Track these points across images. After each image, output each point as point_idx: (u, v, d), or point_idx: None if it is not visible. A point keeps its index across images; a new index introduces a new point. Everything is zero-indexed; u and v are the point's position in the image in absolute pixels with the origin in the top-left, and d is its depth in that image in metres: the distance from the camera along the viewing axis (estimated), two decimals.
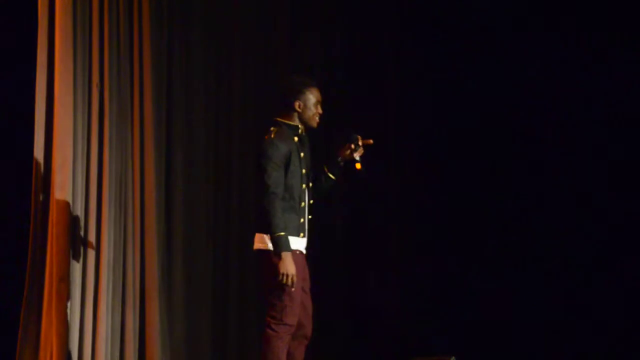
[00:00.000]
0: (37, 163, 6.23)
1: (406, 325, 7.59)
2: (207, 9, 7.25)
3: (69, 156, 6.27)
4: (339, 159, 5.50)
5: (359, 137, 5.50)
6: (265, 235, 5.27)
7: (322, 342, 7.54)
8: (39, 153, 6.24)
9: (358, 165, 5.49)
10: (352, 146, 5.48)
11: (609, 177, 7.08)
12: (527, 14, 7.35)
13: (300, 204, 5.36)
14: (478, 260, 7.50)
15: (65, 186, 6.24)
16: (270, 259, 5.25)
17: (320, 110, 5.43)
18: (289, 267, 5.21)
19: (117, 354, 6.48)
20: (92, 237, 6.36)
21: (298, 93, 5.39)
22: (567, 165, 7.24)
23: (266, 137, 5.35)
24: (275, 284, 5.24)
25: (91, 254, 6.34)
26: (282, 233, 5.20)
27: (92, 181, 6.40)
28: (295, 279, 5.23)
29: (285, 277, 5.21)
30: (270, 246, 5.24)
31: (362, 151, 5.49)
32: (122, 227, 6.59)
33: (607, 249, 7.06)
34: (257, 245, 5.33)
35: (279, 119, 5.43)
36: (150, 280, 6.67)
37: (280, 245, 5.21)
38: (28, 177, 6.22)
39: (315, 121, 5.42)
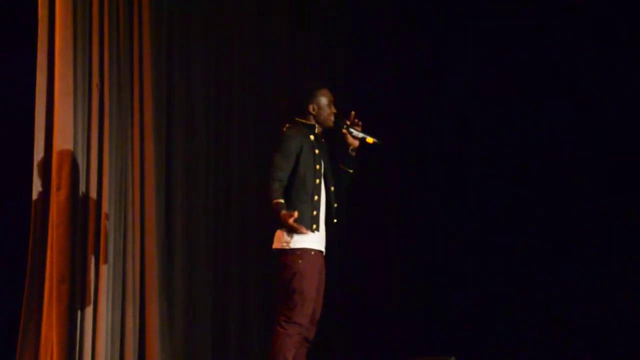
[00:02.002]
0: (37, 163, 6.22)
1: (406, 325, 7.59)
2: (207, 8, 7.25)
3: (69, 156, 6.27)
4: (349, 149, 5.59)
5: (346, 121, 5.60)
6: (280, 233, 5.32)
7: (323, 342, 7.54)
8: (39, 153, 6.23)
9: (369, 140, 5.61)
10: (345, 131, 5.58)
11: (608, 180, 7.08)
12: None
13: (313, 197, 5.40)
14: (478, 260, 7.49)
15: (65, 186, 6.23)
16: (284, 258, 5.29)
17: (334, 110, 5.59)
18: (284, 216, 5.19)
19: (117, 354, 6.48)
20: (92, 237, 6.36)
21: (311, 97, 5.55)
22: (567, 167, 7.24)
23: (281, 134, 5.49)
24: (287, 283, 5.28)
25: (91, 254, 6.34)
26: (281, 200, 5.25)
27: (92, 181, 6.40)
28: (293, 214, 5.22)
29: (288, 225, 5.20)
30: (283, 245, 5.29)
31: (358, 127, 5.59)
32: (122, 227, 6.58)
33: (607, 250, 7.06)
34: (275, 244, 5.38)
35: (297, 119, 5.58)
36: (150, 280, 6.67)
37: (278, 209, 5.21)
38: (28, 177, 6.22)
39: (330, 121, 5.57)
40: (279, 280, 5.37)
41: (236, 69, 7.41)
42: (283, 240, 5.32)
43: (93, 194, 6.38)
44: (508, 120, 7.47)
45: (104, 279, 6.37)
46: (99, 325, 6.32)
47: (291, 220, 5.20)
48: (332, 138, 5.69)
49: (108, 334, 6.40)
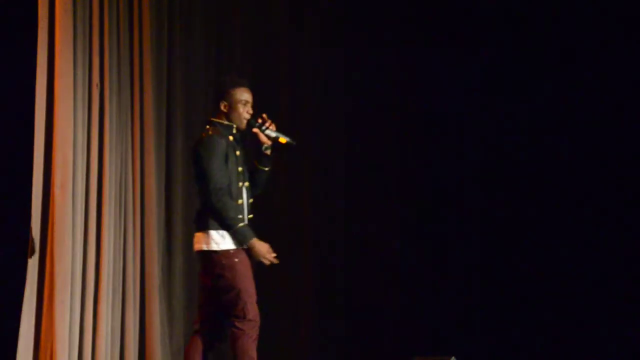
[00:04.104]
0: (37, 163, 6.22)
1: (406, 325, 7.59)
2: (207, 8, 7.26)
3: (69, 156, 6.26)
4: (263, 147, 5.40)
5: (258, 119, 5.38)
6: (206, 234, 5.20)
7: (323, 342, 7.55)
8: (39, 153, 6.22)
9: (282, 140, 5.39)
10: (256, 130, 5.37)
11: (607, 182, 7.09)
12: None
13: (237, 201, 5.27)
14: (478, 260, 7.50)
15: (65, 186, 6.23)
16: (219, 259, 5.19)
17: (250, 110, 5.34)
18: (262, 250, 5.20)
19: (117, 354, 6.48)
20: (92, 237, 6.36)
21: (223, 94, 5.33)
22: (568, 168, 7.25)
23: (203, 134, 5.29)
24: (231, 284, 5.18)
25: (91, 254, 6.34)
26: (242, 224, 5.17)
27: (92, 181, 6.40)
28: (272, 256, 5.22)
29: (265, 260, 5.20)
30: (213, 246, 5.19)
31: (273, 125, 5.39)
32: (122, 227, 6.58)
33: (606, 250, 7.06)
34: (198, 246, 5.25)
35: (213, 119, 5.37)
36: (150, 280, 6.67)
37: (246, 235, 5.18)
38: (28, 177, 6.21)
39: (242, 122, 5.35)
40: (220, 282, 5.21)
41: (237, 69, 7.41)
42: (212, 241, 5.20)
43: (93, 194, 6.38)
44: (507, 121, 7.49)
45: (104, 279, 6.37)
46: (99, 325, 6.32)
47: (272, 257, 5.20)
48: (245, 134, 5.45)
49: (108, 334, 6.40)
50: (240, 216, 5.24)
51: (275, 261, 5.26)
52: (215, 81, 5.63)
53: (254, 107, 5.37)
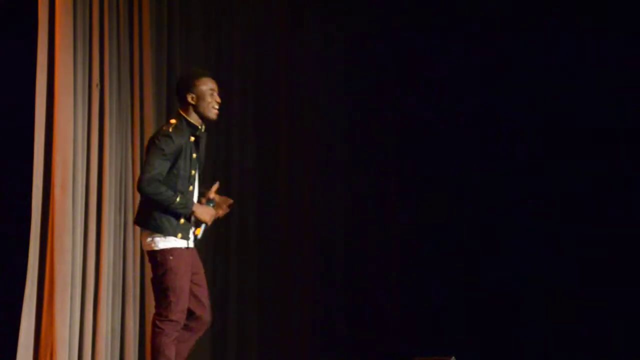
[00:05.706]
0: (37, 163, 6.22)
1: (406, 325, 7.59)
2: (207, 9, 7.26)
3: (69, 156, 6.27)
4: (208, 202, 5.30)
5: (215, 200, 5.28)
6: (147, 234, 5.12)
7: (322, 342, 7.55)
8: (39, 153, 6.23)
9: (197, 231, 5.23)
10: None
11: (606, 182, 7.09)
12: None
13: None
14: (478, 261, 7.49)
15: (65, 186, 6.24)
16: (154, 257, 5.13)
17: (217, 99, 5.25)
18: (204, 213, 5.15)
19: (117, 354, 6.49)
20: (92, 237, 6.36)
21: (189, 86, 5.22)
22: (565, 167, 7.25)
23: (164, 127, 5.20)
24: (160, 281, 5.12)
25: (91, 254, 6.34)
26: (178, 199, 5.05)
27: (92, 181, 6.40)
28: (214, 214, 5.18)
29: (212, 216, 5.17)
30: (152, 246, 5.11)
31: (220, 209, 5.29)
32: (122, 227, 6.58)
33: (604, 250, 7.06)
34: (146, 247, 5.18)
35: (181, 111, 5.25)
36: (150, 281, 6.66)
37: (185, 207, 5.07)
38: (28, 177, 6.22)
39: (212, 111, 5.24)
40: (152, 278, 5.19)
41: (236, 69, 7.42)
42: (152, 242, 5.12)
43: (93, 194, 6.38)
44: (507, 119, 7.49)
45: (104, 279, 6.37)
46: (99, 325, 6.33)
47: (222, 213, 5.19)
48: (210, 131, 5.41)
49: (108, 333, 6.40)
50: (183, 220, 5.12)
51: (222, 214, 5.22)
52: (177, 77, 5.51)
53: (220, 96, 5.27)
